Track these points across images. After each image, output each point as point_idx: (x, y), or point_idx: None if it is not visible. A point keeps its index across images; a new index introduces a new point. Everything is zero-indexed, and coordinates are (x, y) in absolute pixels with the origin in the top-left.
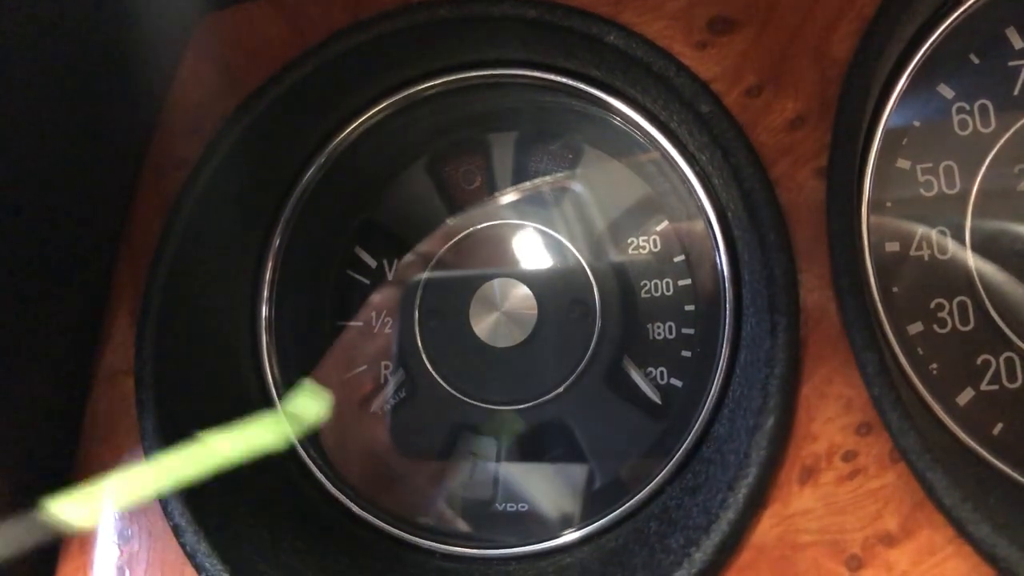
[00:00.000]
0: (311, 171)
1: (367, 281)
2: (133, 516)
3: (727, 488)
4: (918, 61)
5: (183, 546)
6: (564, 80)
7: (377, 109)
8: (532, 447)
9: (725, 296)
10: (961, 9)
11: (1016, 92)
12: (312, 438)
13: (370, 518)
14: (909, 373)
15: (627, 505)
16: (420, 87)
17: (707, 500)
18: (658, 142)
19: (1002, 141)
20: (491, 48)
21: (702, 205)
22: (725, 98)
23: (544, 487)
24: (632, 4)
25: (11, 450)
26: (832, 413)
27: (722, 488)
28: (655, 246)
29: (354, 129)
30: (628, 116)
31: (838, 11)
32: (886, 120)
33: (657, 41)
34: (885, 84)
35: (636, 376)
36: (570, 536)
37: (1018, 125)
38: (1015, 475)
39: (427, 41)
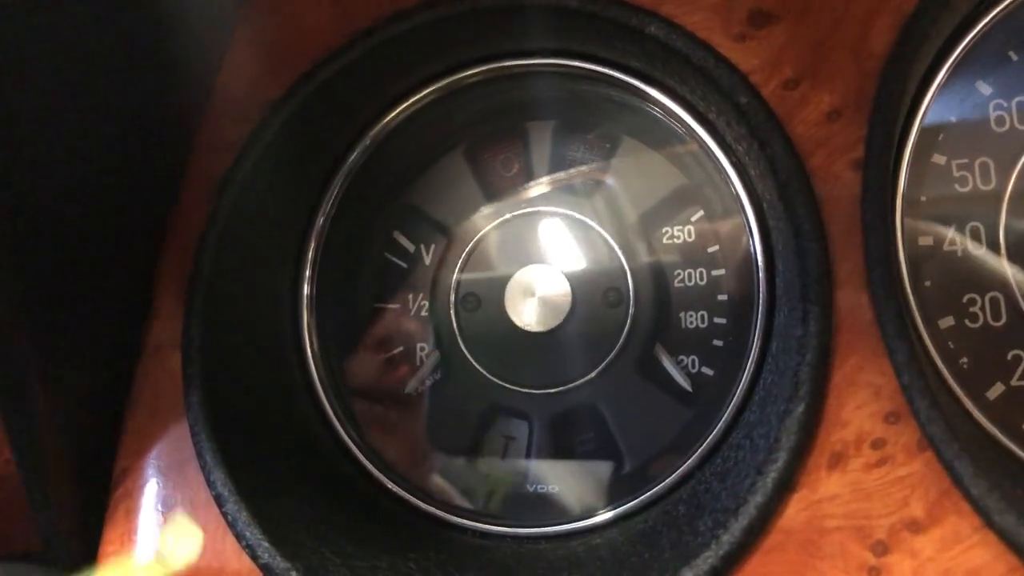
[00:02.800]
0: (353, 155)
1: (404, 265)
2: (175, 479)
3: (756, 472)
4: (956, 57)
5: (224, 515)
6: (602, 70)
7: (418, 96)
8: (563, 430)
9: (759, 286)
10: (1001, 6)
11: None
12: (349, 416)
13: (405, 495)
14: (939, 365)
15: (657, 488)
16: (461, 75)
17: (735, 484)
18: (696, 132)
19: None
20: (531, 37)
21: (738, 195)
22: (763, 90)
23: (574, 470)
24: None
25: (64, 420)
26: (861, 401)
27: (751, 473)
28: (690, 236)
29: (396, 116)
30: (666, 106)
31: (877, 5)
32: (923, 115)
33: (697, 32)
34: (923, 79)
35: (668, 364)
36: (600, 517)
37: None
38: None
39: (468, 29)
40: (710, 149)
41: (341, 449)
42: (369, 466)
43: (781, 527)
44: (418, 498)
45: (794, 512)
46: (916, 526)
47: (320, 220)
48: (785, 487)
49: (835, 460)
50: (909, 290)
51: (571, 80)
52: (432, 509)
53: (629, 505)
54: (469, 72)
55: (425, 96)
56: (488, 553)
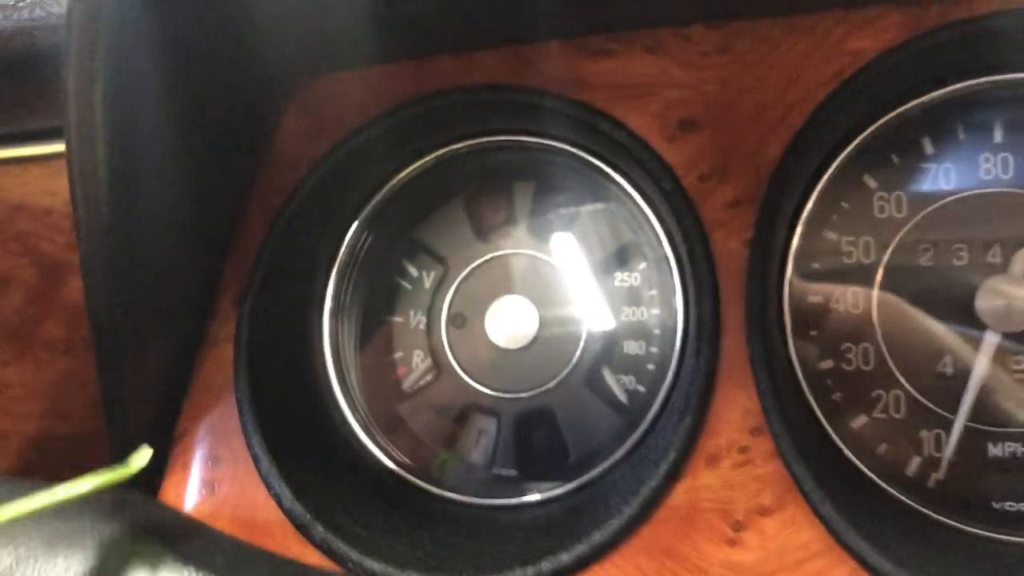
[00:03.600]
0: (374, 202)
1: (409, 287)
2: (222, 442)
3: (654, 466)
4: (843, 159)
5: (259, 471)
6: (570, 149)
7: (427, 158)
8: (524, 428)
9: (677, 326)
10: (883, 120)
11: (925, 188)
12: (356, 404)
13: (397, 468)
14: (808, 396)
15: (589, 476)
16: (458, 145)
17: (640, 473)
18: (638, 204)
19: (910, 225)
20: (515, 121)
21: (667, 256)
22: (684, 180)
23: (530, 458)
24: (624, 102)
25: (142, 392)
26: (733, 418)
27: (651, 466)
28: (636, 281)
29: (409, 171)
30: (617, 181)
31: (774, 123)
32: (812, 203)
33: (638, 132)
34: (817, 173)
35: (611, 381)
36: (545, 495)
37: (924, 213)
38: (876, 479)
39: (468, 112)
40: (648, 217)
41: (348, 428)
42: (369, 443)
43: (669, 505)
44: (406, 470)
45: (679, 495)
46: (765, 511)
47: (344, 248)
48: (673, 477)
49: (711, 460)
50: (791, 337)
51: (547, 153)
52: (416, 480)
53: (568, 487)
54: (469, 143)
55: (432, 158)
56: (458, 517)
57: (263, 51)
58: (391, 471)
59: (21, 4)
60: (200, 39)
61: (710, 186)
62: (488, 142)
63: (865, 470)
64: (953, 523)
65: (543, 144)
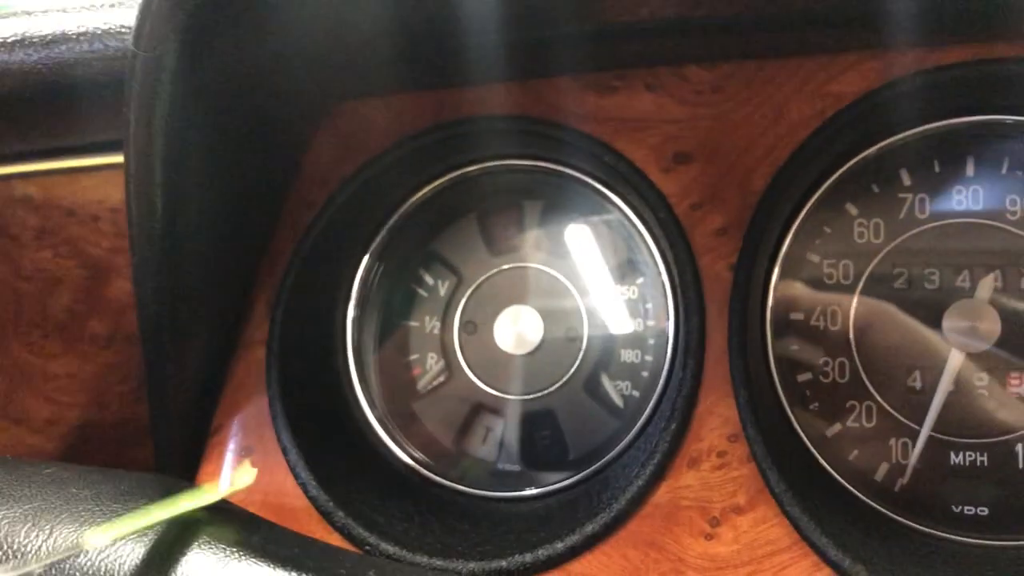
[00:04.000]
0: (395, 217)
1: (426, 294)
2: (254, 435)
3: (641, 466)
4: (825, 190)
5: (287, 461)
6: (575, 174)
7: (442, 180)
8: (528, 427)
9: (669, 338)
10: (862, 155)
11: (902, 216)
12: (375, 403)
13: (411, 462)
14: (785, 406)
15: (585, 473)
16: (473, 168)
17: (630, 473)
18: (636, 226)
19: (886, 250)
20: (527, 148)
21: (661, 274)
22: (676, 208)
23: (533, 455)
24: (625, 135)
25: (183, 388)
26: (714, 425)
27: (639, 466)
28: (634, 295)
29: (427, 191)
30: (618, 206)
31: (760, 157)
32: (795, 229)
33: (636, 163)
34: (800, 203)
35: (608, 386)
36: (544, 489)
37: (900, 239)
38: (845, 483)
39: (481, 138)
40: (644, 239)
41: (368, 424)
42: (386, 438)
43: (653, 502)
44: (419, 463)
45: (662, 493)
46: (739, 510)
47: (367, 258)
48: (659, 477)
49: (692, 462)
50: (771, 353)
51: (555, 176)
52: (428, 473)
53: (565, 483)
54: (483, 165)
55: (449, 179)
56: (464, 507)
57: (296, 81)
58: (405, 464)
59: (83, 38)
60: (242, 75)
61: (700, 214)
62: (500, 165)
63: (835, 475)
64: (914, 525)
65: (551, 168)
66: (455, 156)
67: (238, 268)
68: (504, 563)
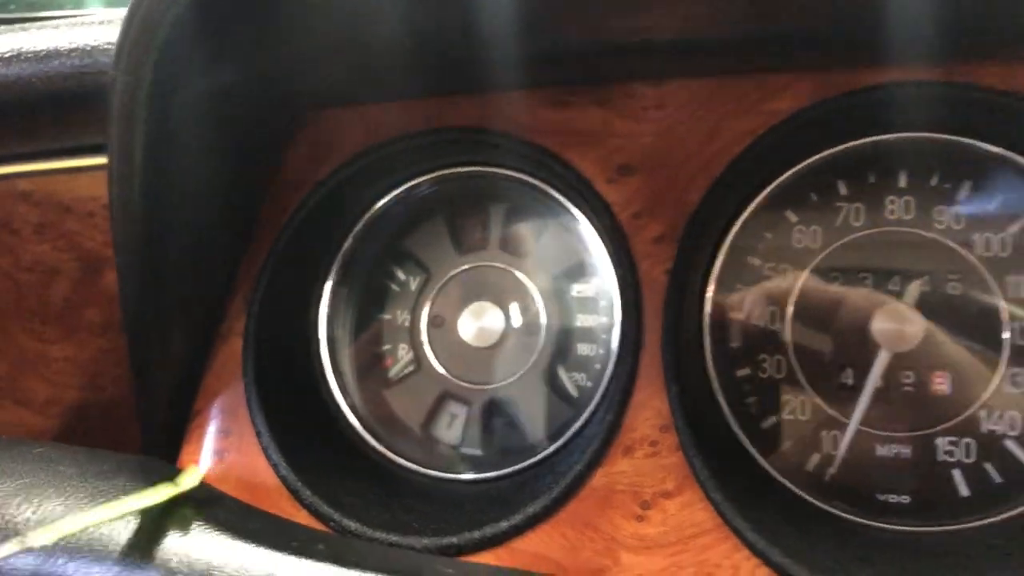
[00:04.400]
0: (367, 216)
1: (398, 289)
2: (231, 419)
3: (581, 452)
4: (765, 197)
5: (260, 444)
6: (535, 182)
7: (411, 184)
8: (489, 414)
9: (617, 334)
10: (797, 168)
11: (838, 224)
12: (352, 391)
13: (382, 448)
14: (720, 399)
15: (537, 457)
16: (440, 173)
17: (571, 458)
18: (587, 231)
19: (823, 255)
20: (488, 156)
21: (612, 275)
22: (619, 217)
23: (494, 440)
24: (575, 147)
25: (166, 376)
26: (647, 416)
27: (579, 452)
28: (590, 292)
29: (397, 194)
30: (572, 211)
31: (696, 171)
32: (735, 234)
33: (584, 173)
34: (739, 210)
35: (564, 378)
36: (500, 472)
37: (835, 245)
38: (773, 472)
39: (450, 146)
40: (595, 242)
41: (339, 410)
42: (356, 423)
43: (591, 486)
44: (387, 447)
45: (599, 478)
46: (667, 495)
47: (340, 256)
48: (596, 463)
49: (627, 450)
50: (708, 349)
51: (516, 183)
52: (393, 455)
53: (518, 467)
54: (449, 171)
55: (416, 184)
56: (426, 487)
57: (271, 94)
58: (373, 447)
59: (73, 54)
60: (218, 91)
61: (641, 223)
62: (466, 171)
63: (765, 464)
64: (839, 512)
65: (511, 176)
66: (423, 162)
67: (218, 266)
68: (455, 539)
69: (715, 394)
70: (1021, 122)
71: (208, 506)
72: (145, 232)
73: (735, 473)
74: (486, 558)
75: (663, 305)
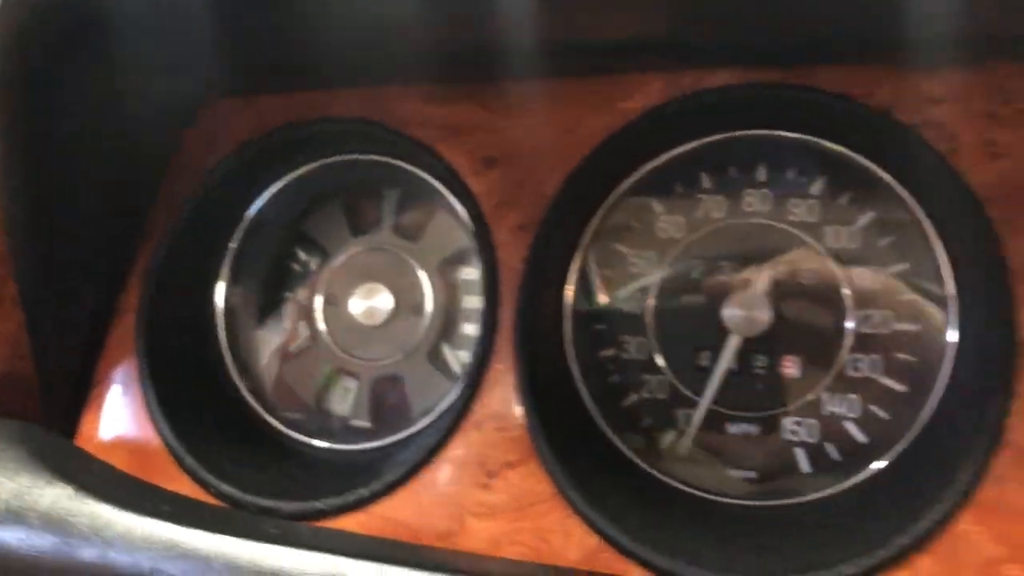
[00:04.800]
0: (263, 200)
1: (299, 269)
2: (127, 391)
3: (442, 422)
4: (626, 188)
5: (150, 413)
6: (417, 171)
7: (308, 167)
8: (379, 389)
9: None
10: (655, 161)
11: (699, 214)
12: (250, 366)
13: (270, 419)
14: (576, 378)
15: (412, 430)
16: (332, 159)
17: (436, 427)
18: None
19: (683, 244)
20: (373, 145)
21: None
22: (484, 207)
23: (382, 413)
24: (447, 140)
25: (69, 354)
26: (499, 394)
27: (441, 424)
28: (474, 275)
29: (293, 178)
30: (451, 200)
31: (554, 165)
32: (597, 224)
33: (453, 165)
34: (601, 199)
35: (448, 356)
36: (386, 442)
37: (695, 235)
38: (623, 448)
39: (330, 137)
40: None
41: (232, 383)
42: (250, 398)
43: (445, 456)
44: (279, 419)
45: (455, 447)
46: (511, 465)
47: (237, 237)
48: (451, 435)
49: (478, 424)
50: (569, 332)
51: (405, 171)
52: (281, 426)
53: (397, 438)
54: (340, 158)
55: (312, 168)
56: (309, 457)
57: (159, 90)
58: (264, 419)
59: None
60: (102, 91)
61: (503, 213)
62: (357, 159)
63: (615, 441)
64: (686, 488)
65: (398, 165)
66: (313, 149)
67: (114, 247)
68: (319, 504)
69: (572, 374)
70: (857, 123)
71: (69, 465)
72: (32, 220)
73: (582, 449)
74: (346, 521)
75: (518, 289)
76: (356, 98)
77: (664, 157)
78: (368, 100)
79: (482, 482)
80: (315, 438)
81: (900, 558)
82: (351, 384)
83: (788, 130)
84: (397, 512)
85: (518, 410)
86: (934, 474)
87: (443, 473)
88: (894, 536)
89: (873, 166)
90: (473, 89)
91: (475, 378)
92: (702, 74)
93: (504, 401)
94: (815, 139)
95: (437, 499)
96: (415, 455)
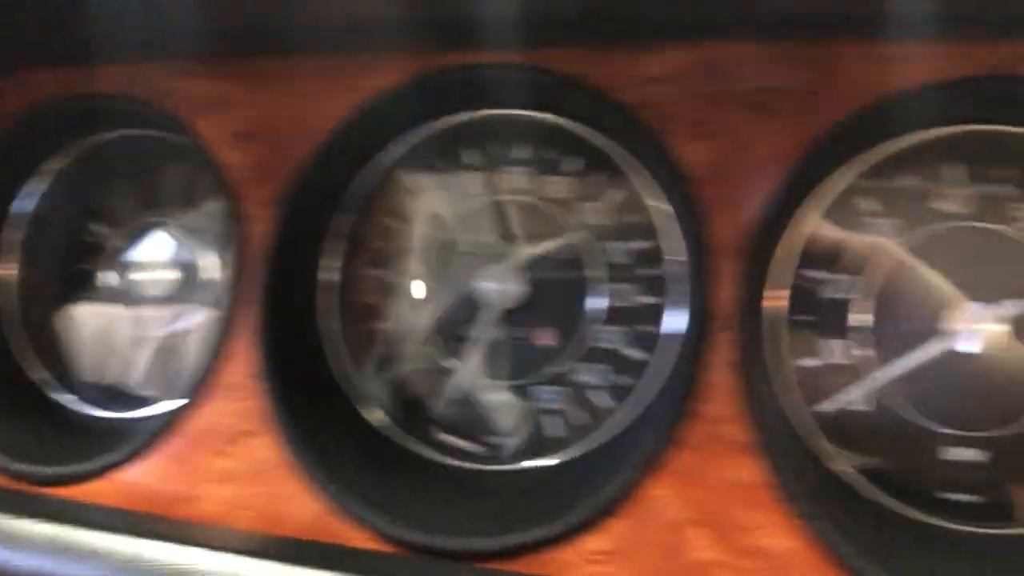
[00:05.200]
0: (46, 172)
1: (94, 245)
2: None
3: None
4: (384, 165)
5: None
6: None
7: (90, 141)
8: (162, 356)
9: None
10: (418, 135)
11: (461, 190)
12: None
13: (56, 394)
14: (327, 353)
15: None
16: (111, 134)
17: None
18: None
19: (446, 218)
20: (146, 120)
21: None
22: (234, 179)
23: (165, 381)
24: (202, 115)
25: None
26: (240, 364)
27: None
28: None
29: (78, 152)
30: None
31: (300, 140)
32: (365, 202)
33: (207, 139)
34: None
35: None
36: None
37: (458, 210)
38: (369, 419)
39: (101, 112)
40: None
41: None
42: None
43: (188, 426)
44: (69, 391)
45: (196, 419)
46: (249, 434)
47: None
48: (193, 404)
49: (220, 394)
50: (326, 305)
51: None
52: (62, 397)
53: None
54: (122, 132)
55: (97, 141)
56: (87, 423)
57: None
58: (42, 391)
59: None
60: None
61: (255, 186)
62: (132, 134)
63: (360, 410)
64: (441, 458)
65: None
66: (85, 126)
67: None
68: (76, 468)
69: (321, 347)
70: (583, 103)
71: None
72: None
73: (328, 419)
74: (95, 486)
75: (262, 263)
76: (118, 73)
77: (422, 134)
78: (128, 75)
79: (221, 450)
80: (105, 408)
81: (593, 522)
82: (140, 354)
83: (533, 110)
84: (141, 478)
85: (260, 381)
86: (630, 443)
87: (185, 442)
88: (587, 500)
89: (612, 144)
90: (228, 64)
91: (216, 349)
92: (444, 55)
93: (245, 374)
94: (558, 119)
95: (179, 466)
96: (156, 424)
